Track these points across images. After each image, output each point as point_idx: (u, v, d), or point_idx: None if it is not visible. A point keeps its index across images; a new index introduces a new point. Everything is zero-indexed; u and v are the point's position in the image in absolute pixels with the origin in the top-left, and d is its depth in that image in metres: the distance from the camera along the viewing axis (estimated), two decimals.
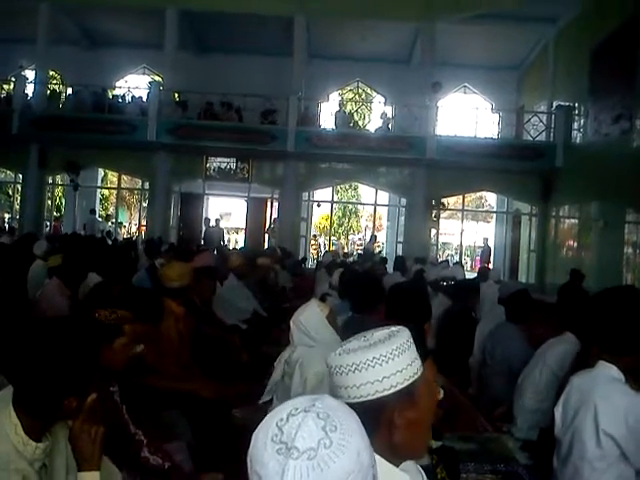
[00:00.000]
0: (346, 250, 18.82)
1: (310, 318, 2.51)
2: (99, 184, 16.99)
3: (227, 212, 20.60)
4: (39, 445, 1.37)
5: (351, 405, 1.12)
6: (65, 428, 1.49)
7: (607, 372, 2.11)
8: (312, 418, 0.82)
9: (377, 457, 1.12)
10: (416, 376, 1.12)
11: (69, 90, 15.04)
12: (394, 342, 1.11)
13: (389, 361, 1.09)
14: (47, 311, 3.65)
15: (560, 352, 3.01)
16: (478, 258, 18.92)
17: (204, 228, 14.93)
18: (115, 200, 18.30)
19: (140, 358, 2.19)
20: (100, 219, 15.86)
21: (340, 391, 1.13)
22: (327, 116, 14.99)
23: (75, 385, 1.37)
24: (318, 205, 16.40)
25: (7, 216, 17.22)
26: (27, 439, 1.35)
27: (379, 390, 1.09)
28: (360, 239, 23.17)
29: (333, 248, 16.57)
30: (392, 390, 1.09)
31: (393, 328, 1.17)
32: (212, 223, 15.01)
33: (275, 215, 14.77)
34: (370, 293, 3.12)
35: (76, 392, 1.38)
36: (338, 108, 14.17)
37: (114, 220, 16.67)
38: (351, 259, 13.70)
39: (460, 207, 15.67)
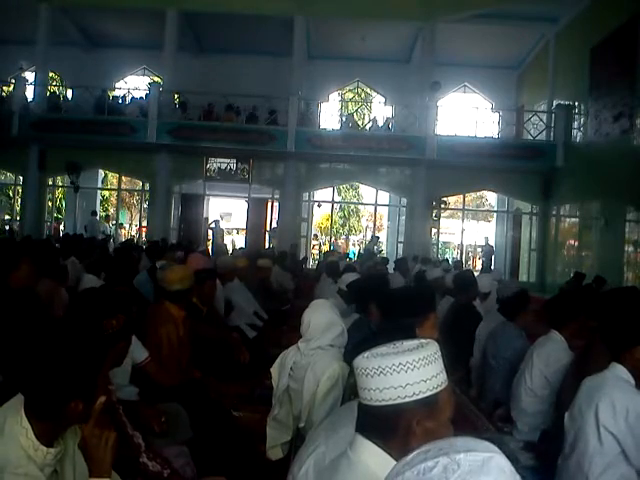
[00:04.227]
0: (347, 250, 18.82)
1: (329, 320, 2.50)
2: (99, 185, 16.98)
3: (228, 213, 20.61)
4: (50, 450, 1.38)
5: (372, 408, 1.15)
6: (74, 434, 1.49)
7: (615, 372, 2.13)
8: None
9: (392, 461, 1.13)
10: (440, 388, 1.13)
11: (69, 91, 15.05)
12: (422, 352, 1.14)
13: (414, 369, 1.11)
14: None
15: (546, 351, 3.01)
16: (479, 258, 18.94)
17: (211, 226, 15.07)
18: (116, 201, 18.30)
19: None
20: (99, 219, 15.83)
21: (363, 393, 1.16)
22: (327, 116, 15.03)
23: (80, 387, 1.37)
24: (319, 205, 16.40)
25: (7, 218, 17.22)
26: (38, 444, 1.35)
27: (401, 396, 1.11)
28: (361, 240, 23.16)
29: (333, 248, 16.54)
30: (414, 398, 1.11)
31: (423, 340, 1.20)
32: (213, 224, 15.12)
33: (276, 215, 14.78)
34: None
35: (81, 395, 1.37)
36: (344, 111, 14.19)
37: (115, 221, 16.66)
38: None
39: (460, 206, 15.65)
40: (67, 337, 1.41)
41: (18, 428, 1.35)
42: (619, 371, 2.11)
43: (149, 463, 2.00)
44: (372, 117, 14.11)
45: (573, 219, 12.44)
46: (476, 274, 6.19)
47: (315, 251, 17.88)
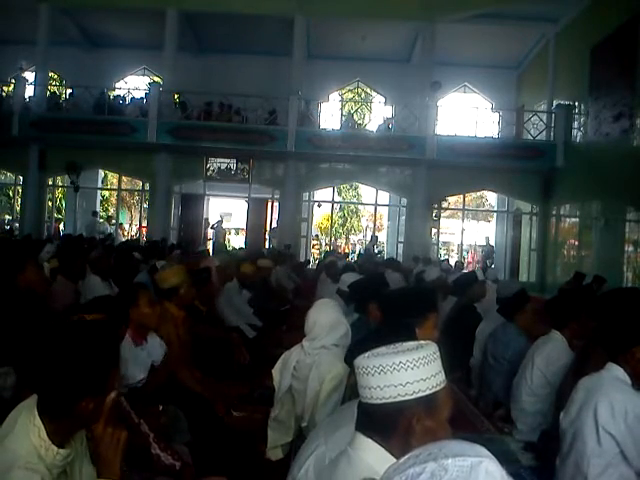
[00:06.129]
0: (347, 250, 18.81)
1: (334, 319, 2.49)
2: (99, 185, 16.96)
3: (228, 213, 20.59)
4: (60, 451, 1.37)
5: (372, 406, 1.17)
6: (81, 436, 1.49)
7: (613, 373, 2.13)
8: None
9: (391, 459, 1.13)
10: (439, 387, 1.16)
11: (69, 91, 15.04)
12: (421, 352, 1.17)
13: (414, 368, 1.14)
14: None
15: (546, 351, 3.01)
16: (476, 256, 18.92)
17: (210, 229, 15.08)
18: (116, 201, 18.30)
19: None
20: (100, 220, 15.83)
21: (364, 392, 1.18)
22: (327, 116, 15.01)
23: (92, 385, 1.36)
24: (319, 205, 16.40)
25: (7, 217, 17.21)
26: (49, 443, 1.35)
27: (401, 394, 1.14)
28: (361, 239, 23.15)
29: (332, 248, 16.55)
30: (414, 396, 1.14)
31: (422, 341, 1.24)
32: (215, 224, 15.14)
33: (276, 215, 14.78)
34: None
35: (94, 393, 1.37)
36: (345, 112, 14.15)
37: (115, 221, 16.65)
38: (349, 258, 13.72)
39: (460, 206, 15.65)
40: (81, 334, 1.41)
41: (30, 426, 1.35)
42: (616, 371, 2.11)
43: (161, 454, 1.95)
44: (385, 117, 14.02)
45: (573, 219, 12.43)
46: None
47: (315, 251, 17.87)
